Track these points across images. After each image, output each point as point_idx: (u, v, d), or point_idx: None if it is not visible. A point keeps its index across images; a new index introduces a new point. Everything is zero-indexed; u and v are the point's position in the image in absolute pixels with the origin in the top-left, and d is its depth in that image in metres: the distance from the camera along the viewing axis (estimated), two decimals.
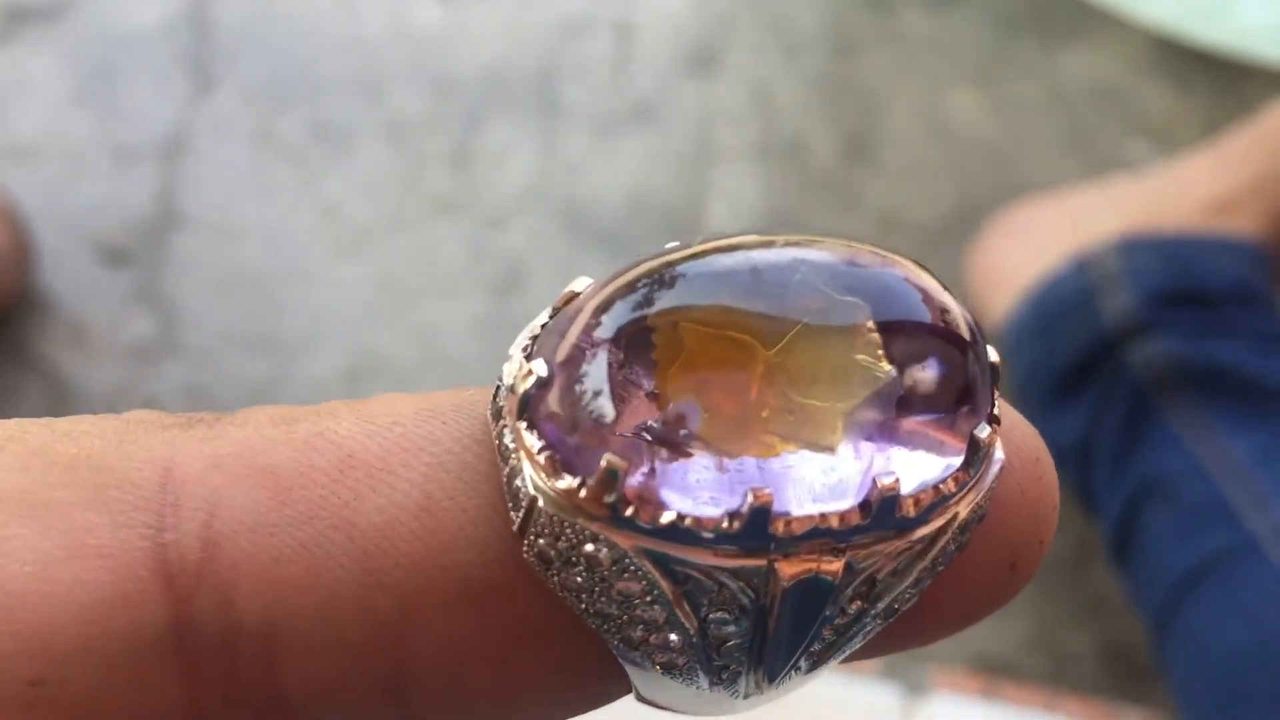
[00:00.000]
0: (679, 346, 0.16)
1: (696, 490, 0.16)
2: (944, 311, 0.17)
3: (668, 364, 0.16)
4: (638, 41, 0.98)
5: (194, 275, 0.90)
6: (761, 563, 0.16)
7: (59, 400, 0.87)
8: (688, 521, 0.16)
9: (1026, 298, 0.81)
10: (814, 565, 0.16)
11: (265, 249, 0.91)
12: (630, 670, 0.17)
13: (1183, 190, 0.83)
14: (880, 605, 0.17)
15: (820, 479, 0.16)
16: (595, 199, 0.93)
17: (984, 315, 0.86)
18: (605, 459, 0.16)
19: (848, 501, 0.16)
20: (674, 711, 0.19)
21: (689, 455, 0.16)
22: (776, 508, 0.16)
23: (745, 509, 0.16)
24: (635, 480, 0.16)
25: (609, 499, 0.16)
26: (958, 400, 0.17)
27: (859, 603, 0.17)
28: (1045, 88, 0.97)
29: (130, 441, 0.16)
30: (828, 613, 0.17)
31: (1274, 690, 0.62)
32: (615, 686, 0.18)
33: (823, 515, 0.16)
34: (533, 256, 0.91)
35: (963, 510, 0.17)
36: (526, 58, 0.97)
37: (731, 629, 0.16)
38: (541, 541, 0.16)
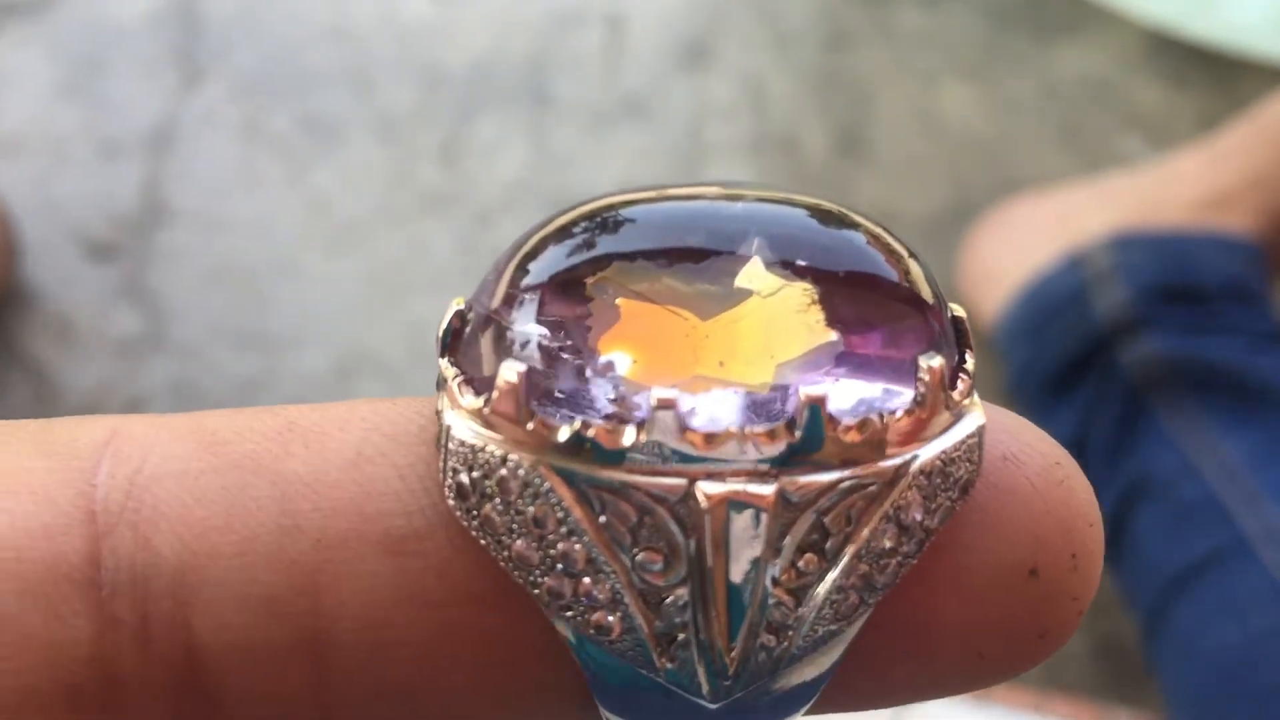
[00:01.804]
0: (614, 313, 0.15)
1: (606, 408, 0.15)
2: (906, 273, 0.16)
3: (601, 328, 0.15)
4: (629, 35, 0.97)
5: (181, 270, 0.89)
6: (679, 483, 0.14)
7: (44, 396, 0.86)
8: (592, 432, 0.15)
9: (1019, 295, 0.81)
10: (740, 488, 0.14)
11: (253, 243, 0.90)
12: (587, 674, 0.16)
13: (1176, 186, 0.83)
14: (841, 564, 0.15)
15: (748, 406, 0.15)
16: (586, 193, 0.92)
17: (977, 312, 0.85)
18: (502, 367, 0.15)
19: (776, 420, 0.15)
20: None
21: (613, 385, 0.15)
22: (689, 420, 0.14)
23: (651, 415, 0.14)
24: (550, 398, 0.15)
25: (511, 409, 0.15)
26: (916, 354, 0.16)
27: (812, 557, 0.15)
28: (1038, 83, 0.96)
29: (88, 418, 0.17)
30: (773, 560, 0.15)
31: (1264, 689, 0.62)
32: (571, 694, 0.16)
33: (743, 430, 0.15)
34: None
35: (925, 454, 0.15)
36: (517, 51, 0.97)
37: (665, 577, 0.15)
38: (459, 475, 0.15)
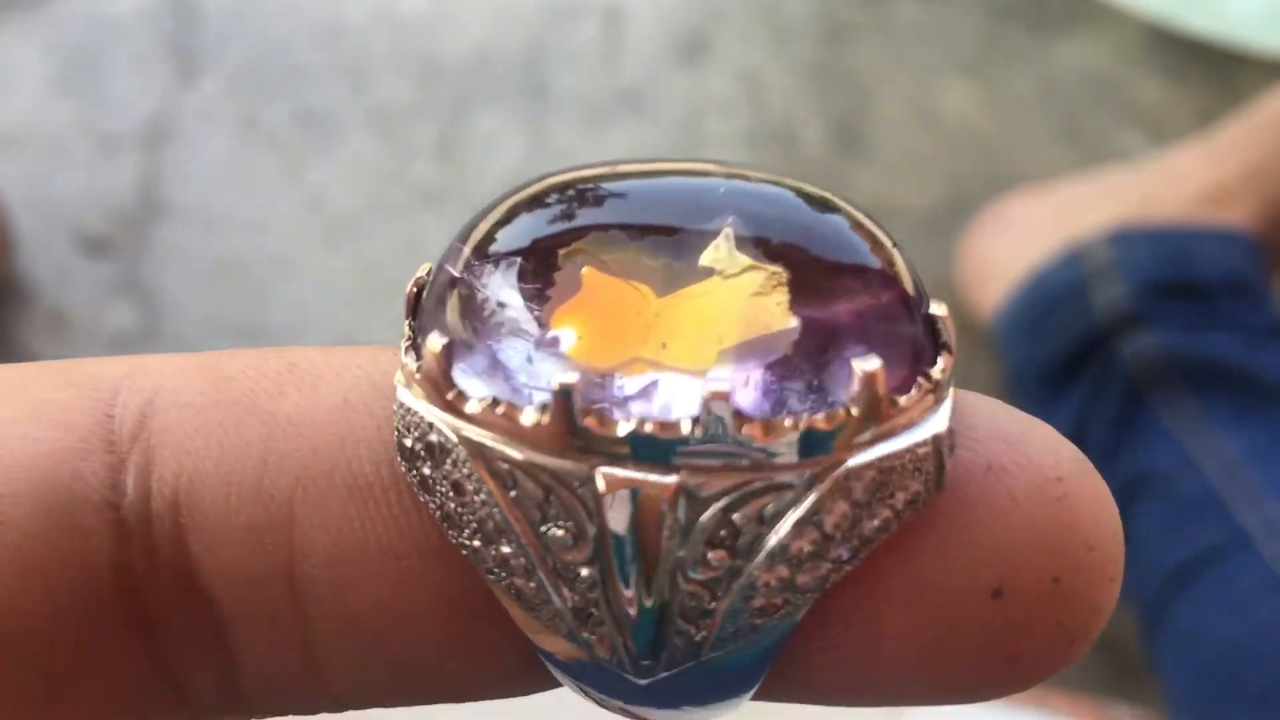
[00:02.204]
0: (575, 284, 0.15)
1: (532, 385, 0.15)
2: (890, 263, 0.16)
3: (559, 299, 0.15)
4: (626, 28, 0.97)
5: (176, 264, 0.89)
6: (582, 467, 0.15)
7: None
8: (500, 409, 0.15)
9: (1018, 290, 0.81)
10: (640, 477, 0.15)
11: (249, 238, 0.90)
12: (516, 617, 0.16)
13: (1175, 181, 0.82)
14: (755, 562, 0.15)
15: (673, 395, 0.15)
16: None
17: (976, 308, 0.85)
18: (427, 339, 0.15)
19: (685, 415, 0.15)
20: (581, 692, 0.17)
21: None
22: (592, 404, 0.15)
23: (550, 399, 0.15)
24: (466, 366, 0.15)
25: (432, 378, 0.15)
26: (884, 349, 0.15)
27: (723, 554, 0.15)
28: (1037, 78, 0.96)
29: (105, 358, 0.18)
30: (679, 550, 0.15)
31: (1265, 685, 0.62)
32: (528, 660, 0.17)
33: (644, 420, 0.14)
34: None
35: (853, 460, 0.15)
36: (514, 44, 0.96)
37: (573, 553, 0.15)
38: (402, 436, 0.16)
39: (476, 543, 0.16)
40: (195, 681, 0.17)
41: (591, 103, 0.95)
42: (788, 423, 0.15)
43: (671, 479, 0.15)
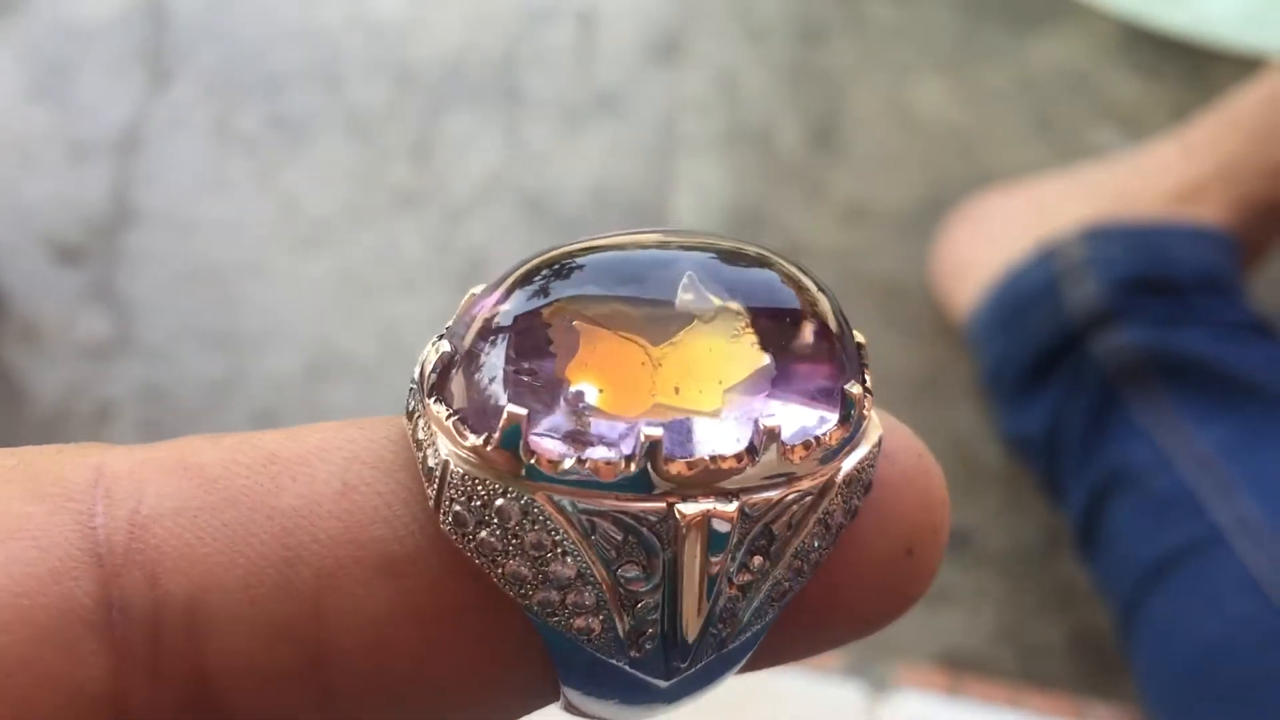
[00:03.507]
0: (575, 342, 0.17)
1: (595, 443, 0.17)
2: (814, 305, 0.19)
3: (565, 357, 0.17)
4: (601, 30, 0.97)
5: (150, 272, 0.88)
6: (661, 506, 0.17)
7: (12, 400, 0.85)
8: (587, 466, 0.17)
9: (992, 289, 0.81)
10: (710, 508, 0.17)
11: (223, 244, 0.89)
12: (555, 660, 0.18)
13: (1150, 177, 0.82)
14: (782, 563, 0.18)
15: (708, 434, 0.17)
16: (559, 190, 0.92)
17: (950, 307, 0.85)
18: (507, 409, 0.17)
19: (737, 447, 0.17)
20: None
21: (586, 418, 0.17)
22: (669, 451, 0.17)
23: (638, 450, 0.17)
24: (538, 433, 0.17)
25: (513, 449, 0.17)
26: (828, 377, 0.18)
27: (760, 558, 0.18)
28: (1013, 75, 0.96)
29: (65, 451, 0.17)
30: (731, 564, 0.18)
31: (1238, 681, 0.62)
32: (540, 682, 0.18)
33: (713, 457, 0.17)
34: (496, 249, 0.90)
35: (846, 466, 0.18)
36: (488, 47, 0.96)
37: (642, 585, 0.17)
38: (456, 505, 0.17)
39: (543, 592, 0.18)
40: None
41: (567, 105, 0.95)
42: (811, 445, 0.18)
43: (734, 505, 0.17)
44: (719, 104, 0.95)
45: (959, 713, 0.66)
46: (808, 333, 0.18)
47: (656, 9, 0.98)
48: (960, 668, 0.74)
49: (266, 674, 0.17)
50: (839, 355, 0.19)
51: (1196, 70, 0.95)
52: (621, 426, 0.17)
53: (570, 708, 0.19)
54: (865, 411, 0.19)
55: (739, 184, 0.92)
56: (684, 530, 0.17)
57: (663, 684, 0.18)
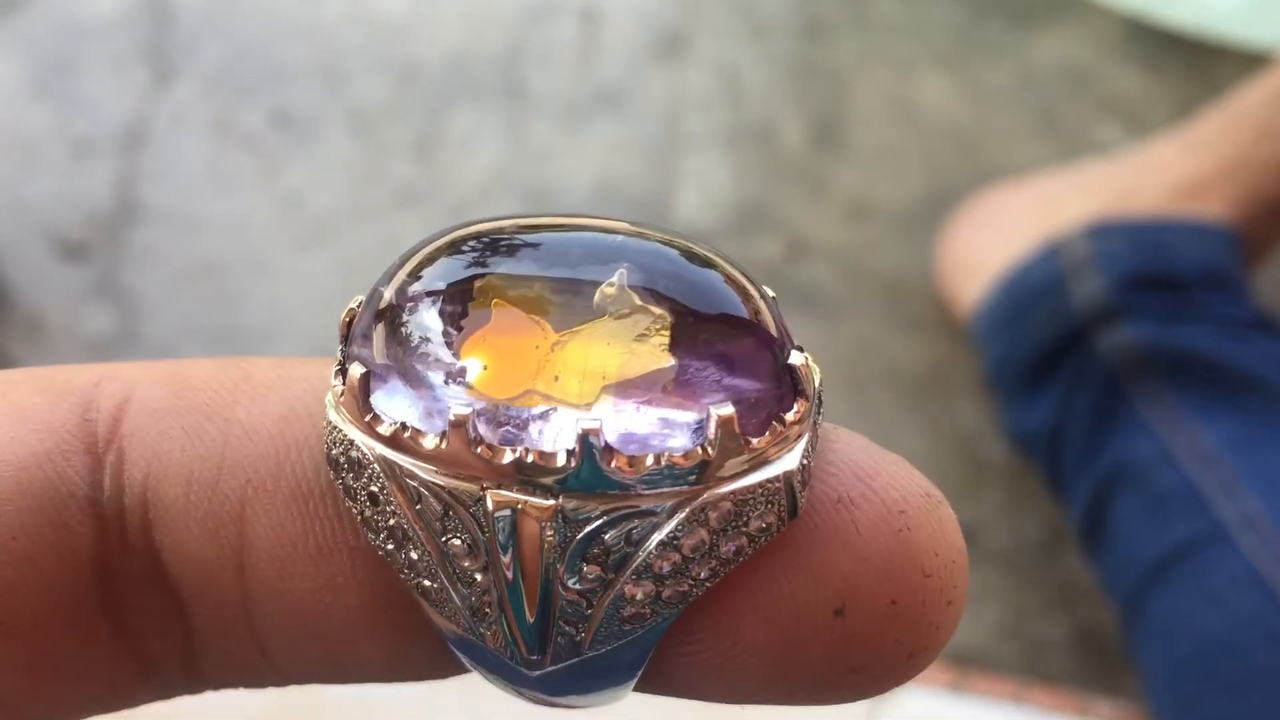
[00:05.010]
0: (485, 316, 0.17)
1: (440, 415, 0.17)
2: (756, 313, 0.18)
3: (471, 330, 0.17)
4: (603, 26, 0.97)
5: (153, 268, 0.89)
6: (474, 488, 0.17)
7: None
8: (408, 434, 0.17)
9: (997, 285, 0.81)
10: (520, 501, 0.17)
11: (226, 240, 0.89)
12: (426, 611, 0.19)
13: (1153, 173, 0.82)
14: (625, 576, 0.17)
15: (563, 430, 0.17)
16: (562, 187, 0.92)
17: (954, 303, 0.85)
18: (350, 366, 0.18)
19: (562, 447, 0.17)
20: (488, 681, 0.19)
21: (441, 391, 0.17)
22: (497, 438, 0.17)
23: (448, 428, 0.17)
24: (386, 392, 0.18)
25: (351, 403, 0.18)
26: (749, 392, 0.17)
27: (596, 568, 0.17)
28: (1015, 71, 0.96)
29: (73, 366, 0.20)
30: (562, 569, 0.17)
31: (1241, 676, 0.62)
32: (427, 637, 0.19)
33: (527, 450, 0.17)
34: None
35: (710, 493, 0.17)
36: (491, 44, 0.96)
37: (470, 561, 0.17)
38: (332, 449, 0.18)
39: (390, 546, 0.18)
40: (160, 658, 0.20)
41: (569, 102, 0.95)
42: (650, 459, 0.17)
43: (550, 502, 0.17)
44: (722, 101, 0.95)
45: (963, 708, 0.66)
46: (738, 340, 0.18)
47: (659, 5, 0.98)
48: (964, 664, 0.74)
49: (197, 560, 0.19)
50: (765, 374, 0.18)
51: (1200, 66, 0.95)
52: (481, 405, 0.17)
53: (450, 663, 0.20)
54: (757, 440, 0.17)
55: (742, 181, 0.92)
56: (494, 515, 0.17)
57: (527, 672, 0.18)
